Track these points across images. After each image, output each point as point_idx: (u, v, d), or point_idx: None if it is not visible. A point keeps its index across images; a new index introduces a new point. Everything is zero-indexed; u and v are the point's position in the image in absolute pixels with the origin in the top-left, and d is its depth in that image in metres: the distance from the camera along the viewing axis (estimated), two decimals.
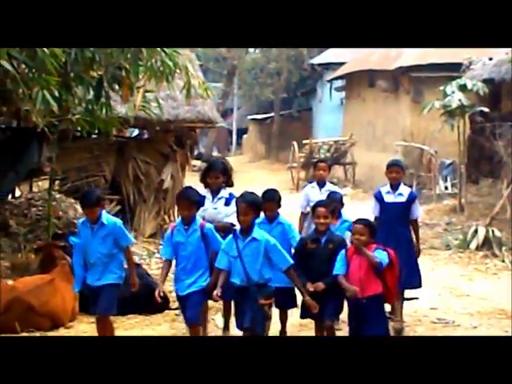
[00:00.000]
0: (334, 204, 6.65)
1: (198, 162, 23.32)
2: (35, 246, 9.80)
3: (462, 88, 14.55)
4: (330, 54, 30.51)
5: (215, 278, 6.06)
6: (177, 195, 7.03)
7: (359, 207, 15.63)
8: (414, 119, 20.25)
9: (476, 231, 12.35)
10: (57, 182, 12.48)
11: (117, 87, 9.35)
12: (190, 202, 6.10)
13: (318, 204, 6.40)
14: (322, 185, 8.52)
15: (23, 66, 8.20)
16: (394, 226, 7.41)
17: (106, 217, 6.29)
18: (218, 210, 7.17)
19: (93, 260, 6.14)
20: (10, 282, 8.37)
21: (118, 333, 7.19)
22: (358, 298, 5.79)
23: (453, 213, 15.48)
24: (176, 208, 9.50)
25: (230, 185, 7.52)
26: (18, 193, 12.24)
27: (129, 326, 8.24)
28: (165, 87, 10.38)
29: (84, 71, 8.89)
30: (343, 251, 5.97)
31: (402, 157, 20.85)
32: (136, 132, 13.99)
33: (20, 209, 11.00)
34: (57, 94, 8.35)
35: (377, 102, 23.75)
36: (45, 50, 7.67)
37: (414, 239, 7.94)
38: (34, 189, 12.68)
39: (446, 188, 18.68)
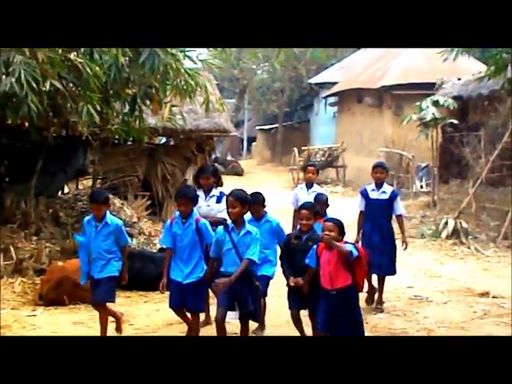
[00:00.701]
0: (317, 206, 6.25)
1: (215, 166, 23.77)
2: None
3: (435, 104, 14.70)
4: (325, 75, 30.82)
5: (211, 267, 5.92)
6: (176, 192, 6.89)
7: (348, 202, 15.96)
8: (395, 129, 20.32)
9: (446, 223, 12.50)
10: (98, 181, 12.77)
11: (148, 102, 9.60)
12: (187, 198, 5.88)
13: (302, 206, 6.11)
14: (309, 186, 8.32)
15: (71, 84, 8.65)
16: (378, 220, 7.36)
17: (110, 217, 6.04)
18: (210, 207, 6.95)
19: (95, 255, 5.88)
20: (60, 263, 8.54)
21: (121, 309, 7.07)
22: (328, 289, 5.41)
23: (427, 207, 15.60)
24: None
25: (220, 185, 7.31)
26: (66, 190, 12.44)
27: (129, 302, 8.19)
28: (188, 102, 10.55)
29: (121, 89, 9.21)
30: (314, 246, 5.64)
31: (384, 160, 21.29)
32: (163, 140, 14.23)
33: (68, 203, 11.12)
34: (98, 108, 8.66)
35: (364, 115, 23.86)
36: (89, 71, 8.10)
37: (400, 233, 7.86)
38: (80, 186, 12.92)
39: (422, 187, 18.60)
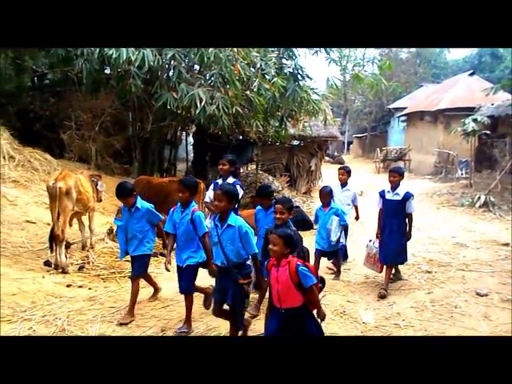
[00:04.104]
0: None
1: (327, 158, 23.93)
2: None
3: (474, 120, 13.64)
4: (399, 102, 29.68)
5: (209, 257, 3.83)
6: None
7: (411, 184, 15.30)
8: (445, 137, 19.11)
9: (479, 197, 11.40)
10: (259, 166, 12.93)
11: (290, 119, 9.81)
12: (184, 186, 3.91)
13: (277, 201, 4.03)
14: (343, 185, 6.30)
15: (246, 109, 8.85)
16: (390, 217, 5.34)
17: (141, 202, 4.34)
18: (238, 190, 4.49)
19: (130, 235, 4.29)
20: (239, 212, 8.69)
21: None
22: (277, 307, 3.10)
23: (465, 187, 14.30)
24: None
25: (236, 175, 5.15)
26: (241, 170, 12.23)
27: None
28: (313, 119, 10.71)
29: (275, 112, 9.30)
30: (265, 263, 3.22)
31: (437, 158, 19.96)
32: (297, 142, 14.33)
33: (242, 178, 10.75)
34: (262, 123, 8.97)
35: (424, 128, 22.53)
36: (257, 101, 8.12)
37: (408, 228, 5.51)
38: (249, 169, 13.03)
39: (462, 174, 17.41)
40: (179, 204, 3.98)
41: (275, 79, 7.89)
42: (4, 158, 7.23)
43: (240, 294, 3.46)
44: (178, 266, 3.98)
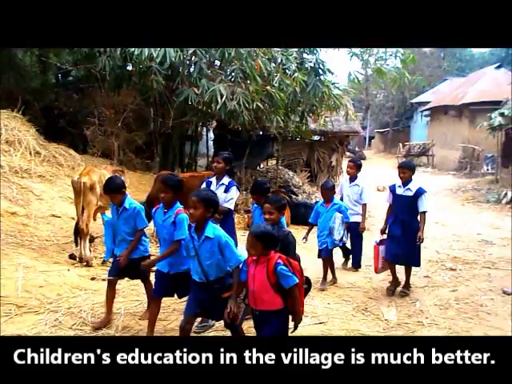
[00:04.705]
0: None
1: (348, 153, 23.59)
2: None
3: (501, 114, 13.32)
4: (422, 97, 29.13)
5: (158, 259, 3.53)
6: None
7: (434, 179, 15.15)
8: (470, 132, 18.78)
9: (506, 194, 11.24)
10: (279, 161, 12.87)
11: (311, 115, 9.75)
12: (165, 185, 3.45)
13: (266, 200, 3.57)
14: (352, 179, 5.83)
15: (266, 104, 8.78)
16: (401, 214, 4.84)
17: (130, 201, 3.82)
18: (217, 195, 3.59)
19: (119, 237, 3.78)
20: None
21: None
22: (252, 308, 2.84)
23: (491, 183, 14.06)
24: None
25: (231, 175, 4.58)
26: (261, 165, 12.61)
27: None
28: (334, 114, 10.62)
29: (295, 107, 9.28)
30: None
31: (462, 153, 19.53)
32: (318, 137, 14.21)
33: (262, 173, 11.14)
34: (282, 118, 8.94)
35: (448, 122, 22.10)
36: (278, 96, 8.14)
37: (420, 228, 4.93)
38: (269, 164, 13.09)
39: (488, 170, 17.10)
40: (162, 205, 3.52)
41: (296, 74, 7.86)
42: (30, 153, 7.43)
43: (222, 308, 2.88)
44: (158, 271, 3.51)
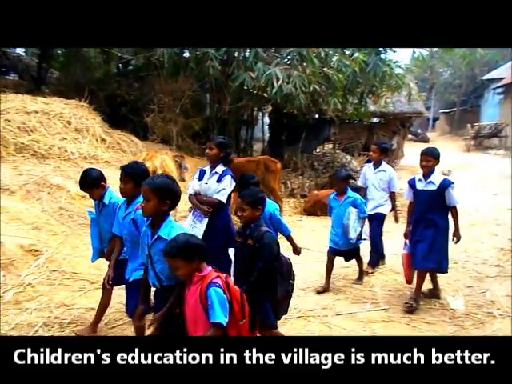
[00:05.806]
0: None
1: (409, 136, 22.52)
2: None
3: None
4: (494, 73, 26.69)
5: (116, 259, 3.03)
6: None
7: (506, 161, 14.04)
8: None
9: None
10: (336, 145, 12.69)
11: (370, 96, 9.51)
12: (125, 173, 2.91)
13: (239, 195, 3.00)
14: (377, 165, 5.12)
15: (323, 87, 8.70)
16: (424, 213, 4.04)
17: (110, 196, 3.29)
18: (208, 185, 3.79)
19: (105, 236, 3.33)
20: (315, 192, 8.64)
21: None
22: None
23: None
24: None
25: (226, 163, 3.87)
26: (318, 149, 12.31)
27: None
28: (396, 95, 10.28)
29: (354, 88, 9.11)
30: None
31: None
32: (377, 119, 13.77)
33: (319, 157, 10.94)
34: (340, 100, 8.80)
35: None
36: (335, 78, 7.97)
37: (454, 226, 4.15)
38: (325, 148, 12.72)
39: None
40: (124, 200, 3.00)
41: (356, 54, 7.65)
42: (97, 140, 7.90)
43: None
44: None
